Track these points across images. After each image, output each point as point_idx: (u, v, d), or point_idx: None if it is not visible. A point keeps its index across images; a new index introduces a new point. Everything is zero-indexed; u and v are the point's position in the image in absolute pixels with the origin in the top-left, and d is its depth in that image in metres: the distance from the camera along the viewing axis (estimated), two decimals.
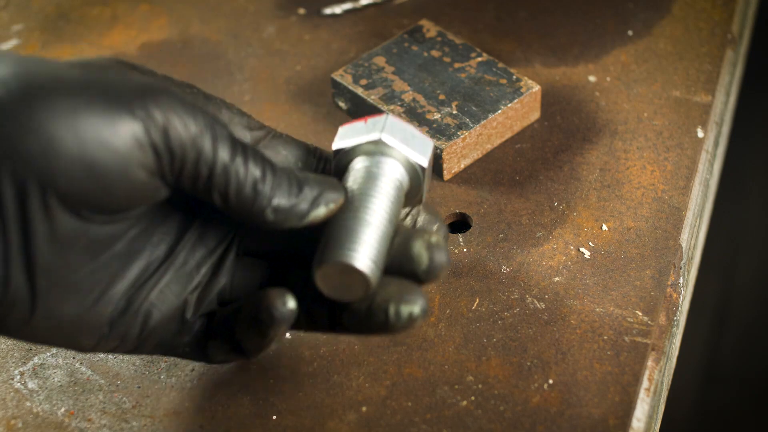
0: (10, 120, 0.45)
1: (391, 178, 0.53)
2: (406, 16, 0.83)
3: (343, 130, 0.55)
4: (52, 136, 0.46)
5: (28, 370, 0.62)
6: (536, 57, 0.79)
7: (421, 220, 0.57)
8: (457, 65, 0.74)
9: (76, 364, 0.62)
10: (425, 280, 0.53)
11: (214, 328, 0.55)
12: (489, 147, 0.72)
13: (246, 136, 0.54)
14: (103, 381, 0.61)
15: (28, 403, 0.61)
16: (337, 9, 0.84)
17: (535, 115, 0.74)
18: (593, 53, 0.79)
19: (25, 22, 0.85)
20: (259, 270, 0.56)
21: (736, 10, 0.82)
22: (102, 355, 0.63)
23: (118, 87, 0.48)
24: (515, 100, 0.72)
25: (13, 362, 0.63)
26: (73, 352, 0.63)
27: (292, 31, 0.82)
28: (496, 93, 0.72)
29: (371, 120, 0.54)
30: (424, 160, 0.54)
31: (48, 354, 0.63)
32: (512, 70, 0.73)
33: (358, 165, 0.54)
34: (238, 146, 0.50)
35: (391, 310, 0.51)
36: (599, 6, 0.82)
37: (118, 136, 0.47)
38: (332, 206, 0.52)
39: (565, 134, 0.73)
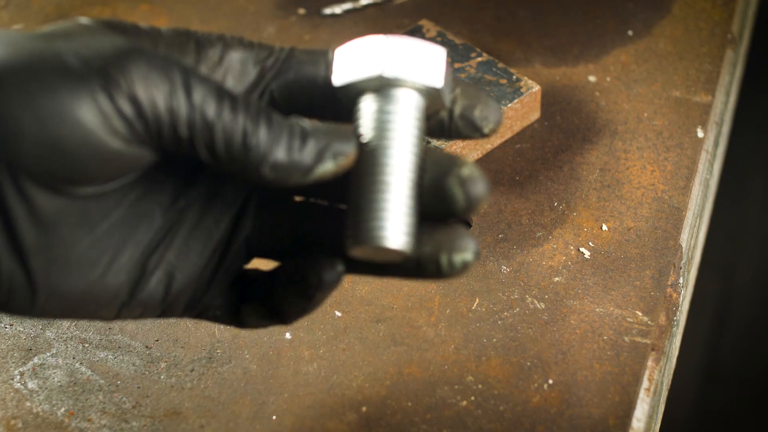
0: None
1: (406, 113, 0.48)
2: (406, 16, 0.82)
3: (340, 57, 0.49)
4: (9, 118, 0.44)
5: (28, 370, 0.62)
6: (536, 57, 0.79)
7: (459, 107, 0.51)
8: (457, 65, 0.74)
9: (76, 364, 0.62)
10: (466, 215, 0.49)
11: (248, 291, 0.52)
12: (489, 147, 0.72)
13: (251, 72, 0.50)
14: (103, 381, 0.61)
15: (28, 403, 0.61)
16: (337, 9, 0.84)
17: (535, 115, 0.74)
18: (593, 53, 0.79)
19: (25, 22, 0.85)
20: (289, 217, 0.52)
21: (736, 10, 0.82)
22: (102, 355, 0.63)
23: (78, 57, 0.45)
24: (515, 100, 0.72)
25: (13, 362, 0.62)
26: (73, 352, 0.63)
27: (292, 31, 0.82)
28: (496, 93, 0.72)
29: (370, 44, 0.49)
30: (438, 80, 0.48)
31: (48, 354, 0.63)
32: (512, 70, 0.73)
33: (368, 106, 0.49)
34: (225, 99, 0.46)
35: (443, 260, 0.48)
36: (599, 6, 0.82)
37: (78, 109, 0.44)
38: (342, 160, 0.47)
39: (565, 134, 0.73)
